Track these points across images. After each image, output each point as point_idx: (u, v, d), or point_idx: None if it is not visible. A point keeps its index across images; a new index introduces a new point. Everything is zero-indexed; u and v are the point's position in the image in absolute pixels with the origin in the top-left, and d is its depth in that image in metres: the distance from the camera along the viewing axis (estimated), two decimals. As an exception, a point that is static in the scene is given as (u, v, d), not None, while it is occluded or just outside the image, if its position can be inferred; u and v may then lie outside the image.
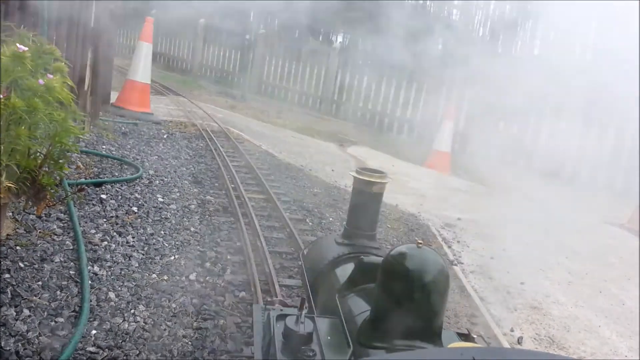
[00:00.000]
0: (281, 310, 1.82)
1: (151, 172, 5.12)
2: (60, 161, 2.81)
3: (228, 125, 8.43)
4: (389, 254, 1.51)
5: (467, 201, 6.92)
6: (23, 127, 2.44)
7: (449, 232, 5.28)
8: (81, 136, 3.32)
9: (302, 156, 7.67)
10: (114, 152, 5.39)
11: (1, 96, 2.35)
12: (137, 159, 5.40)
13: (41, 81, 2.45)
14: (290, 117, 12.19)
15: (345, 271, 2.02)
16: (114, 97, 7.86)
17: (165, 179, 5.00)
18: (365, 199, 2.15)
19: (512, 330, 3.47)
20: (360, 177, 2.11)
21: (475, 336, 1.61)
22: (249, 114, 11.35)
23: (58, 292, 2.70)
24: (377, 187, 2.12)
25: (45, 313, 2.52)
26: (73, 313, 2.59)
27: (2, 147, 2.39)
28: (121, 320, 2.66)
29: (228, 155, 6.29)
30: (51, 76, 2.55)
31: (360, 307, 1.73)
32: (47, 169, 2.77)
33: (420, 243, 1.49)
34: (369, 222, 2.19)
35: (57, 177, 2.95)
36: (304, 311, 1.59)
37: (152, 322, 2.71)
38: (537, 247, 5.15)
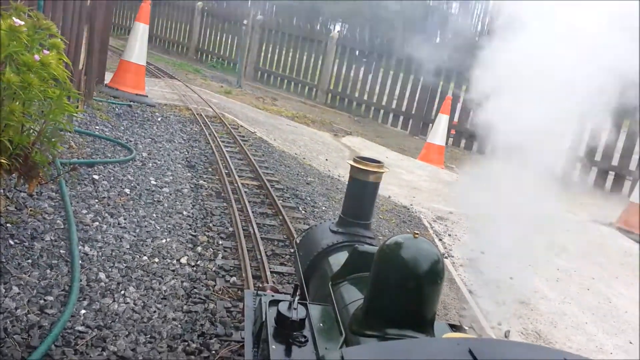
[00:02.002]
0: (273, 296, 1.82)
1: (144, 154, 5.09)
2: (54, 139, 2.78)
3: (223, 111, 8.38)
4: (384, 243, 1.51)
5: (459, 195, 6.93)
6: (17, 103, 2.41)
7: (441, 225, 5.30)
8: (75, 115, 3.27)
9: (296, 144, 7.65)
10: (107, 133, 5.35)
11: (-4, 70, 2.31)
12: (131, 141, 5.36)
13: (37, 57, 2.41)
14: (285, 105, 12.14)
15: (339, 259, 2.02)
16: (108, 77, 7.79)
17: (159, 162, 4.97)
18: (362, 187, 2.14)
19: (499, 324, 3.49)
20: (358, 165, 2.10)
21: (466, 328, 1.62)
22: (244, 100, 11.30)
23: (48, 271, 2.68)
24: (374, 177, 2.11)
25: (35, 291, 2.50)
26: (62, 292, 2.57)
27: (-5, 123, 2.36)
28: (111, 301, 2.64)
29: (222, 141, 6.25)
30: (47, 52, 2.51)
31: (353, 296, 1.73)
32: (39, 147, 2.73)
33: (417, 233, 1.49)
34: (365, 211, 2.19)
35: (50, 156, 2.92)
36: (297, 298, 1.59)
37: (142, 304, 2.70)
38: (527, 244, 5.17)
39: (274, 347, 1.46)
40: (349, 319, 1.57)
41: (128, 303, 2.67)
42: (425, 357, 1.02)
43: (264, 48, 15.34)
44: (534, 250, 4.84)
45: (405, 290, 1.43)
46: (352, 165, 2.12)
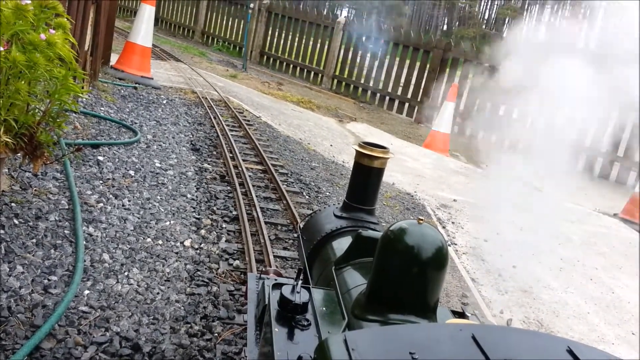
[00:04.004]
0: (276, 279, 1.82)
1: (149, 136, 5.08)
2: (59, 119, 2.77)
3: (228, 95, 8.35)
4: (388, 228, 1.50)
5: (464, 183, 6.92)
6: (23, 82, 2.40)
7: (444, 213, 5.29)
8: (80, 95, 3.26)
9: (301, 129, 7.63)
10: (112, 115, 5.34)
11: (1, 49, 2.30)
12: (136, 123, 5.36)
13: (43, 36, 2.40)
14: (290, 90, 12.10)
15: (342, 244, 2.01)
16: (113, 59, 7.76)
17: (163, 145, 4.97)
18: (366, 173, 2.13)
19: (501, 312, 3.49)
20: (363, 150, 2.09)
21: (469, 314, 1.61)
22: (250, 84, 11.26)
23: (52, 251, 2.69)
24: (379, 162, 2.10)
25: (39, 271, 2.52)
26: (66, 272, 2.58)
27: (1, 101, 2.36)
28: (114, 282, 2.66)
29: (227, 125, 6.24)
30: (53, 31, 2.49)
31: (356, 280, 1.73)
32: (45, 127, 2.73)
33: (421, 219, 1.48)
34: (369, 196, 2.18)
35: (55, 136, 2.92)
36: (300, 281, 1.58)
37: (146, 285, 2.71)
38: (530, 233, 5.17)
39: (276, 329, 1.46)
40: (352, 304, 1.57)
41: (131, 284, 2.68)
42: (427, 342, 1.02)
43: (270, 32, 15.25)
44: (538, 240, 4.84)
45: (408, 276, 1.43)
46: (357, 150, 2.11)
